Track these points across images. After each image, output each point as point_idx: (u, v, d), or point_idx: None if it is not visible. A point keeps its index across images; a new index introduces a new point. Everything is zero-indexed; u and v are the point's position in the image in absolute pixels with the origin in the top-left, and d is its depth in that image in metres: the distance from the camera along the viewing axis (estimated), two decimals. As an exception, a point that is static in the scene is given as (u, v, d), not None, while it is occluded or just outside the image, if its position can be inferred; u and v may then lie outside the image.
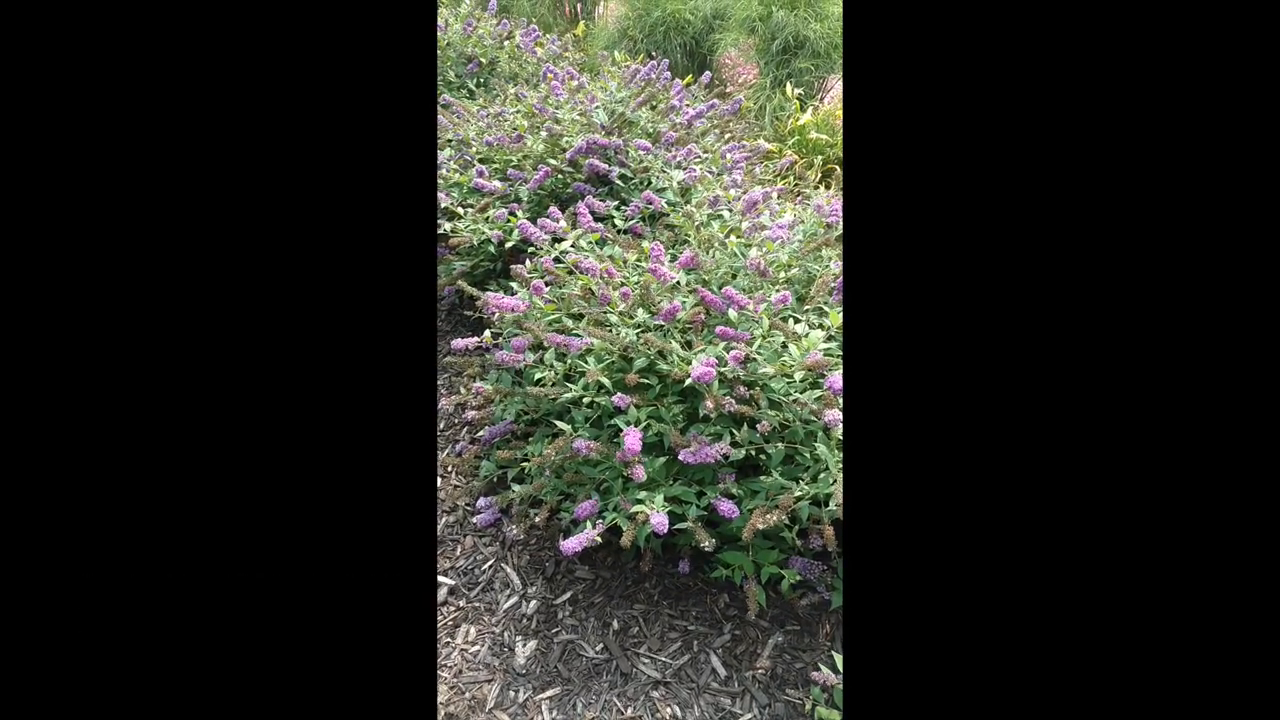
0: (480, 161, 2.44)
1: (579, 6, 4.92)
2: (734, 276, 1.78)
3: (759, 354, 1.47)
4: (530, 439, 1.74)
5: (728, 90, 3.94)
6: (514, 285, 1.87)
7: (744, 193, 2.06)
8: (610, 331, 1.59)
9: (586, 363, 1.56)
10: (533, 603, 1.66)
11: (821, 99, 3.54)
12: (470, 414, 1.85)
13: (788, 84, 3.64)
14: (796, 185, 2.81)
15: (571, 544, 1.38)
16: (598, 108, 2.45)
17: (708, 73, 2.93)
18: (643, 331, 1.60)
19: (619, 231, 2.04)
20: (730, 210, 2.00)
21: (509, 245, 2.09)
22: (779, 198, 2.19)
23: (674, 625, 1.59)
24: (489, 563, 1.77)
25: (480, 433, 1.81)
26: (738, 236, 1.84)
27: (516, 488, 1.63)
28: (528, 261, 1.87)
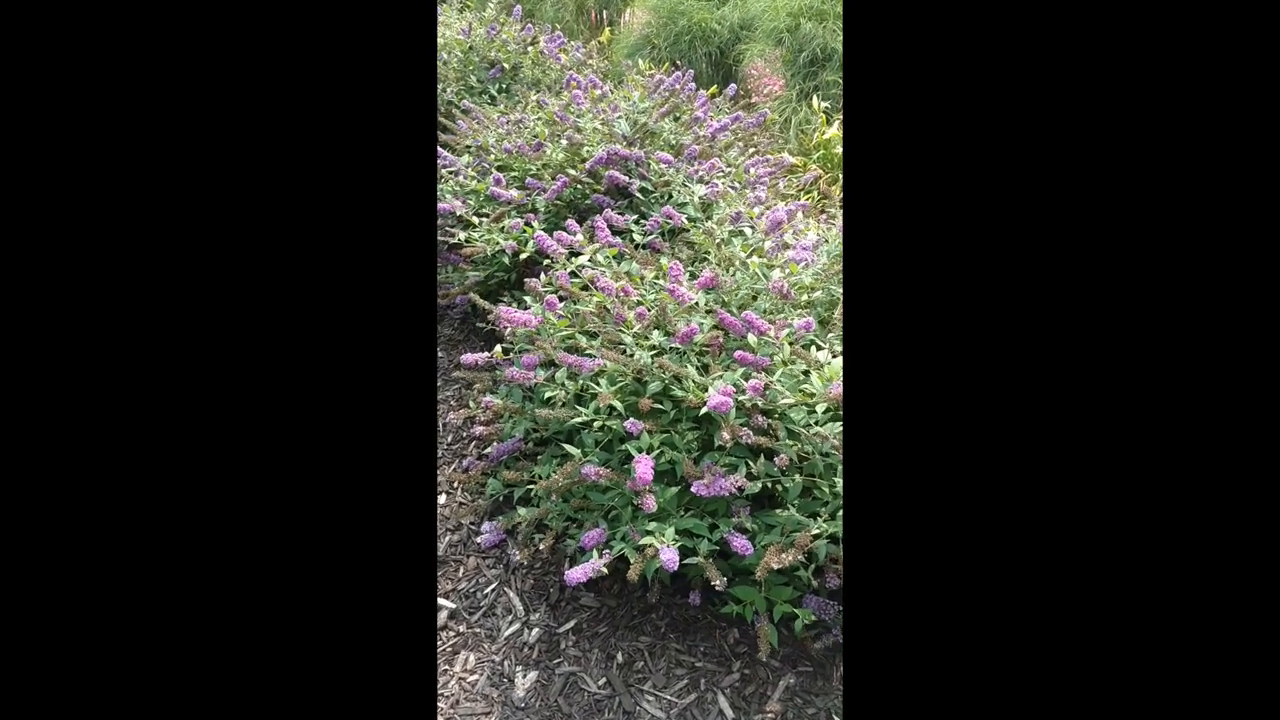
0: (498, 169, 2.39)
1: (604, 14, 4.88)
2: (755, 298, 1.71)
3: (779, 382, 1.41)
4: (538, 459, 1.68)
5: (753, 101, 3.88)
6: (527, 299, 1.82)
7: (767, 209, 2.00)
8: (624, 353, 1.53)
9: (598, 384, 1.50)
10: (535, 630, 1.60)
11: (848, 113, 3.48)
12: (478, 429, 1.80)
13: (814, 97, 3.58)
14: (821, 202, 2.75)
15: (576, 574, 1.32)
16: (620, 117, 2.39)
17: (733, 85, 2.87)
18: (658, 354, 1.54)
19: (637, 246, 1.98)
20: (752, 228, 1.93)
21: (523, 256, 2.04)
22: (803, 215, 2.12)
23: (681, 661, 1.53)
24: (491, 586, 1.71)
25: (488, 449, 1.76)
26: (759, 256, 1.77)
27: (522, 510, 1.57)
28: (542, 274, 1.82)
